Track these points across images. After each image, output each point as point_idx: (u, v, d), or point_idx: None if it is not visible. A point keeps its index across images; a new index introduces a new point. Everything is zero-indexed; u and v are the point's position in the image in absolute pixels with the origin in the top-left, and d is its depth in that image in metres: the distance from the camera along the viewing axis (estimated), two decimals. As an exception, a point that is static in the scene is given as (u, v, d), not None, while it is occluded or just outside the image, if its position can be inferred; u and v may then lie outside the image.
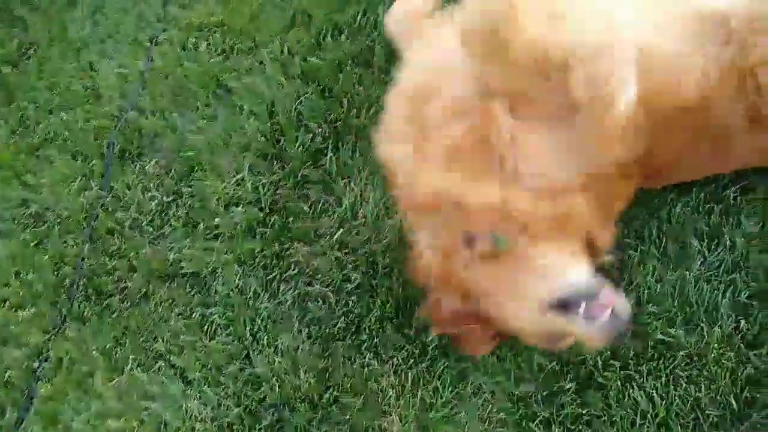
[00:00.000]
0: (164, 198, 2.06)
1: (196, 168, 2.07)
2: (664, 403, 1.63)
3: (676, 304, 1.72)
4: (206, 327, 1.91)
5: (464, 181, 1.38)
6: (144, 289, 1.98)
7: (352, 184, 2.00)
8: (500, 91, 1.35)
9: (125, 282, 1.99)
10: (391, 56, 2.01)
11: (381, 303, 1.80)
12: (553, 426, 1.65)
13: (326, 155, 2.02)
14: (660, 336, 1.69)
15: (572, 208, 1.40)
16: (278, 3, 2.17)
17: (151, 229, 2.05)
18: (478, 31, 1.31)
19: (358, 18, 2.08)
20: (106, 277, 2.01)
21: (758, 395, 1.61)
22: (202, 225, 2.01)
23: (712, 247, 1.72)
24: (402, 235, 1.81)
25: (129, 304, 1.98)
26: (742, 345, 1.65)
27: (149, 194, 2.07)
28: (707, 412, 1.62)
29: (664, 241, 1.73)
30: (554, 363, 1.67)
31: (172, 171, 2.09)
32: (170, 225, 2.04)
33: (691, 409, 1.63)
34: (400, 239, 1.85)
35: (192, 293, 1.96)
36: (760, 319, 1.66)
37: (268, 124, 2.06)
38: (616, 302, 1.40)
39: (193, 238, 2.00)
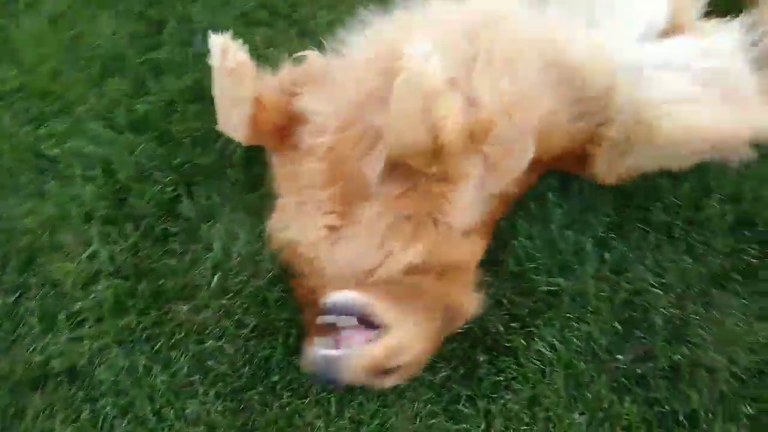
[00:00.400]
0: (8, 297, 1.80)
1: (38, 254, 1.83)
2: (563, 346, 1.77)
3: (549, 255, 1.86)
4: (100, 423, 1.72)
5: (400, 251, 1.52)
6: (14, 406, 1.74)
7: (217, 225, 1.90)
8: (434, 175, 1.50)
9: (-13, 405, 1.73)
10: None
11: (283, 338, 1.75)
12: (477, 400, 1.72)
13: (181, 202, 1.90)
14: (545, 288, 1.83)
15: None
16: (81, 54, 1.97)
17: (2, 335, 1.79)
18: (412, 142, 1.42)
19: (176, 52, 1.95)
20: (-39, 406, 1.72)
21: (634, 313, 1.80)
22: (62, 315, 1.80)
23: (566, 196, 1.88)
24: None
25: (0, 427, 1.72)
26: (611, 274, 1.83)
27: (-12, 297, 1.80)
28: (599, 341, 1.78)
29: (525, 201, 1.85)
30: (465, 344, 1.74)
31: (10, 264, 1.83)
32: (24, 324, 1.80)
33: (586, 343, 1.78)
34: (284, 267, 1.81)
35: (73, 392, 1.75)
36: (619, 247, 1.86)
37: (108, 185, 1.88)
38: (343, 351, 1.48)
39: (56, 332, 1.79)
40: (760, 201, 1.89)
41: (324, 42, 1.75)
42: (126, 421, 1.72)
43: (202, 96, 1.93)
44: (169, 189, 1.90)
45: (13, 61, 1.97)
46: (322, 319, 1.49)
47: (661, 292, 1.84)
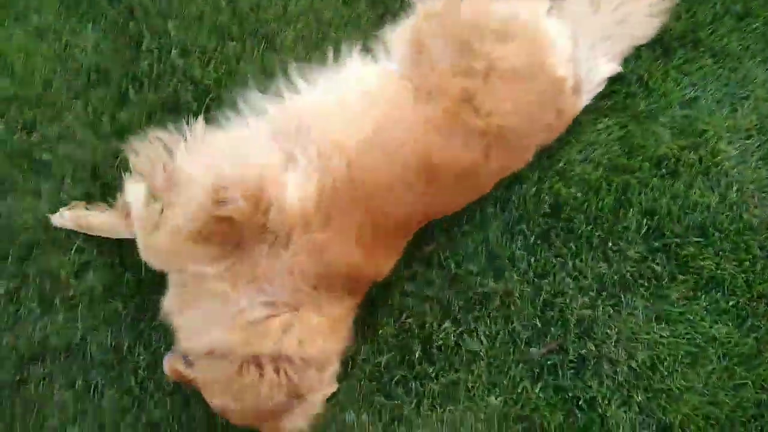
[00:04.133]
0: (9, 284, 2.12)
1: (35, 247, 2.13)
2: (489, 340, 2.09)
3: (485, 259, 2.15)
4: (92, 391, 2.07)
5: None
6: (18, 375, 2.08)
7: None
8: None
9: (-4, 375, 2.08)
10: (199, 96, 2.16)
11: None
12: (410, 382, 2.06)
13: (161, 203, 2.17)
14: (479, 289, 2.13)
15: None
16: (69, 65, 2.21)
17: (5, 317, 2.12)
18: None
19: (155, 66, 2.18)
20: (-27, 376, 2.07)
21: (553, 312, 2.11)
22: (57, 299, 2.11)
23: (504, 208, 2.14)
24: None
25: (8, 392, 2.08)
26: (535, 278, 2.13)
27: (-8, 284, 2.12)
28: (521, 335, 2.10)
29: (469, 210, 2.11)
30: (402, 336, 2.06)
31: (11, 256, 2.13)
32: (25, 307, 2.12)
33: (509, 337, 2.11)
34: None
35: (68, 364, 2.09)
36: (544, 254, 2.14)
37: (96, 186, 2.15)
38: None
39: (53, 314, 2.13)
40: (670, 215, 2.17)
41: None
42: (114, 390, 2.06)
43: (177, 108, 2.17)
44: (150, 190, 2.17)
45: (6, 72, 2.20)
46: None
47: (578, 294, 2.14)
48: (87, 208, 2.09)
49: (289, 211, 1.67)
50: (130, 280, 2.15)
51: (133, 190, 1.85)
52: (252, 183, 1.66)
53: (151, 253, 1.82)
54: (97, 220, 2.08)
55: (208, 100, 2.18)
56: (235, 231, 1.65)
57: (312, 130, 1.75)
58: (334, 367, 1.89)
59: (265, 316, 1.70)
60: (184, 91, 2.19)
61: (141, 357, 2.10)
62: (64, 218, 2.10)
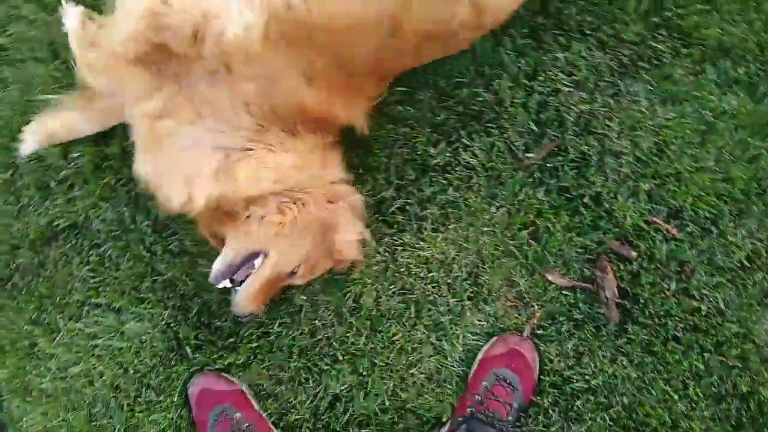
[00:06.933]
0: (4, 174, 2.16)
1: (16, 134, 2.15)
2: (485, 153, 2.04)
3: (473, 70, 2.05)
4: (107, 263, 2.17)
5: None
6: (36, 259, 2.20)
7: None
8: None
9: (15, 261, 2.18)
10: None
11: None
12: (409, 208, 2.05)
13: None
14: (470, 104, 2.03)
15: None
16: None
17: (9, 207, 2.18)
18: None
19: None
20: (-7, 266, 2.19)
21: (547, 112, 2.02)
22: (53, 183, 2.15)
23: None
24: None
25: (30, 277, 2.20)
26: (525, 80, 2.02)
27: (-15, 176, 2.19)
28: (516, 143, 2.03)
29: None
30: (395, 160, 2.02)
31: (-4, 146, 2.18)
32: (24, 196, 2.18)
33: (505, 146, 2.05)
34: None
35: (80, 242, 2.18)
36: (533, 54, 2.01)
37: (58, 63, 2.10)
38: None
39: (52, 198, 2.20)
40: (672, -15, 1.98)
41: None
42: (126, 259, 2.15)
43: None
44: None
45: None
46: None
47: (574, 89, 2.03)
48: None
49: (231, 40, 1.57)
50: (115, 153, 2.16)
51: (71, 13, 1.85)
52: (194, 11, 1.57)
53: (88, 72, 1.78)
54: (60, 123, 2.03)
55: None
56: (172, 59, 1.59)
57: None
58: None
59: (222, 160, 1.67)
60: None
61: (144, 224, 2.16)
62: (30, 144, 2.04)
